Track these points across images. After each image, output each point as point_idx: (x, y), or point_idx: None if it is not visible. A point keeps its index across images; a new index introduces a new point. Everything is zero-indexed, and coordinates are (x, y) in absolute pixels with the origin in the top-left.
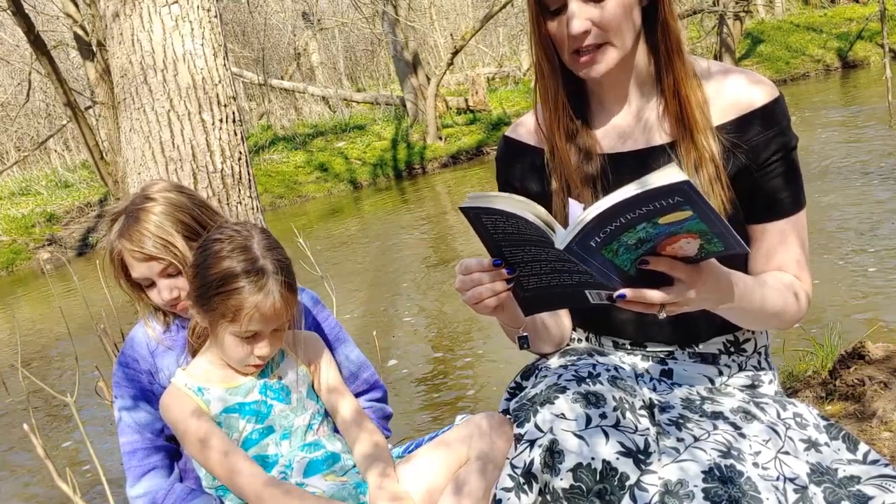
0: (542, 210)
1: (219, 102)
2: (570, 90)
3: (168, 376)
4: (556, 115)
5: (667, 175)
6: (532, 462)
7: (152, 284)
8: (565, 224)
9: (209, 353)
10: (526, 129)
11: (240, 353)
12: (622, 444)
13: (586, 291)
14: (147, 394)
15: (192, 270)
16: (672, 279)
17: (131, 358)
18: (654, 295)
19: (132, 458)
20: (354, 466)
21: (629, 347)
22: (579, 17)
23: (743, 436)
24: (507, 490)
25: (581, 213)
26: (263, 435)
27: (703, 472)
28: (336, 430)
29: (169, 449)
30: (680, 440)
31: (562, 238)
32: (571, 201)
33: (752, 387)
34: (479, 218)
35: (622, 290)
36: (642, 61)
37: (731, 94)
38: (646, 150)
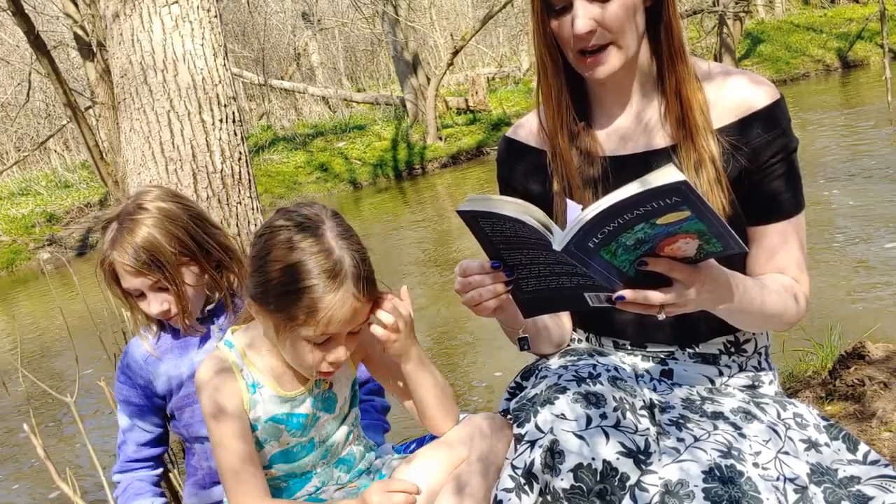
0: (539, 213)
1: (219, 102)
2: (572, 91)
3: (165, 381)
4: (559, 115)
5: (664, 175)
6: (533, 462)
7: (143, 295)
8: (564, 226)
9: (270, 344)
10: (527, 130)
11: (310, 360)
12: (622, 445)
13: (585, 294)
14: (143, 409)
15: (251, 262)
16: (671, 280)
17: (125, 373)
18: (654, 296)
19: (120, 454)
20: (368, 472)
21: (629, 348)
22: (584, 17)
23: (743, 436)
24: (508, 491)
25: (579, 214)
26: (307, 450)
27: (704, 472)
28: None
29: (153, 457)
30: (680, 440)
31: (559, 239)
32: (569, 202)
33: (753, 387)
34: (476, 221)
35: (621, 292)
36: (645, 63)
37: (731, 96)
38: (647, 153)
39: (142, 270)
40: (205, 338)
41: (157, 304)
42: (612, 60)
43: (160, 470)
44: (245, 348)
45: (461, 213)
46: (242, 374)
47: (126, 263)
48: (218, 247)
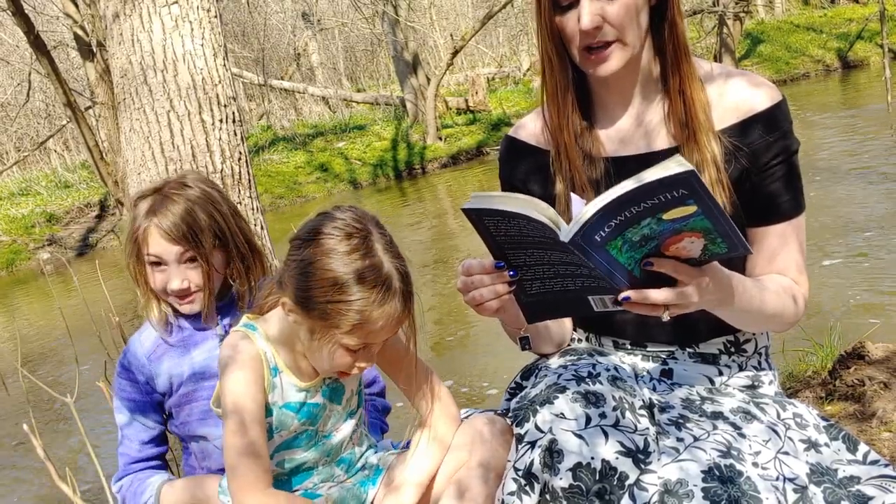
0: (545, 206)
1: (219, 103)
2: (576, 90)
3: (166, 379)
4: (564, 112)
5: (672, 166)
6: (532, 463)
7: (162, 264)
8: (570, 222)
9: (294, 338)
10: (528, 130)
11: (339, 363)
12: (622, 444)
13: (589, 298)
14: (143, 405)
15: (295, 265)
16: (675, 282)
17: (127, 369)
18: (657, 295)
19: (121, 459)
20: (363, 468)
21: (629, 347)
22: (590, 13)
23: (743, 436)
24: (512, 494)
25: (584, 207)
26: (314, 443)
27: (703, 471)
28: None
29: (157, 456)
30: (680, 440)
31: (566, 231)
32: (574, 196)
33: (752, 387)
34: (481, 219)
35: (626, 293)
36: (647, 63)
37: (732, 97)
38: (648, 154)
39: (178, 239)
40: (208, 337)
41: (177, 279)
42: (617, 57)
43: (165, 473)
44: (267, 333)
45: (465, 211)
46: (266, 357)
47: (163, 229)
48: (246, 243)
